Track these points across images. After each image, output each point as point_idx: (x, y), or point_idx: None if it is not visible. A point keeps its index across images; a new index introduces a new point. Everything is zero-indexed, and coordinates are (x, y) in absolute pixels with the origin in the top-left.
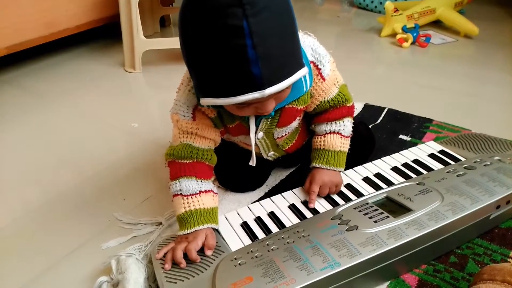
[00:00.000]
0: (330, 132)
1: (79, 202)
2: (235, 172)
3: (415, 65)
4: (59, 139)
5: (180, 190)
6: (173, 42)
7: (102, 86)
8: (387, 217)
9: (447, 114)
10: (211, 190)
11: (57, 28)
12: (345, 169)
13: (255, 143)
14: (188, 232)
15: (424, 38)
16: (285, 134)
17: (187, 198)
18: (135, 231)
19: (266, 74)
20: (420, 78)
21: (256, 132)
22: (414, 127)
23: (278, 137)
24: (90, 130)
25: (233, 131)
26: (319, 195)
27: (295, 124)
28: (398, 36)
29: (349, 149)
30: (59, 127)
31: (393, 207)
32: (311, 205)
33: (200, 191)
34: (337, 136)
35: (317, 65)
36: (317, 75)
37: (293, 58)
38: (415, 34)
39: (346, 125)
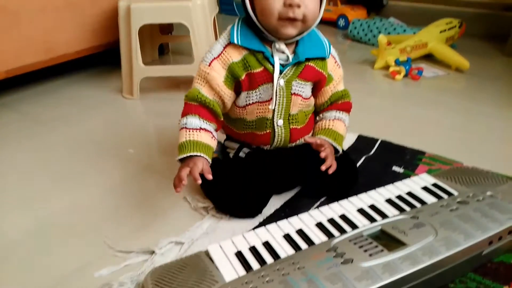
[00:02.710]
0: (339, 119)
1: (72, 228)
2: (236, 192)
3: (407, 97)
4: (54, 163)
5: (185, 124)
6: (172, 70)
7: (99, 111)
8: (382, 250)
9: (439, 146)
10: (211, 132)
11: (57, 53)
12: (328, 200)
13: (275, 95)
14: (185, 155)
15: (416, 71)
16: (300, 96)
17: (189, 131)
18: (127, 259)
19: None
20: (413, 110)
21: (278, 78)
22: (407, 159)
23: (294, 93)
24: (86, 155)
25: (258, 77)
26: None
27: (308, 92)
28: (391, 69)
29: (332, 177)
30: (55, 151)
31: (388, 240)
32: (323, 154)
33: (201, 128)
34: (342, 123)
35: (335, 58)
36: (335, 63)
37: None
38: (407, 67)
39: (347, 119)
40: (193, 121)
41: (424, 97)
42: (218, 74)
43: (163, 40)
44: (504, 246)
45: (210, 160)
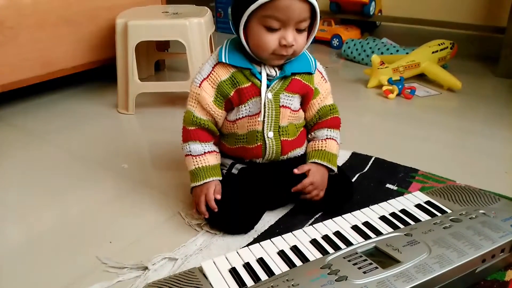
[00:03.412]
0: (331, 138)
1: (63, 243)
2: (227, 209)
3: (400, 116)
4: (47, 177)
5: (190, 151)
6: (167, 86)
7: (94, 126)
8: (376, 268)
9: (432, 164)
10: (214, 151)
11: (53, 68)
12: (323, 217)
13: (264, 107)
14: (200, 183)
15: (409, 90)
16: (289, 108)
17: (196, 158)
18: (120, 275)
19: None
20: (406, 129)
21: (266, 92)
22: (401, 177)
23: (283, 105)
24: (80, 169)
25: (246, 92)
26: (304, 194)
27: (296, 104)
28: (384, 88)
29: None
30: (49, 165)
31: (382, 257)
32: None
33: (205, 152)
34: (334, 142)
35: (321, 73)
36: (322, 77)
37: None
38: (400, 86)
39: (339, 136)
40: (196, 147)
41: (417, 115)
42: (208, 95)
43: (159, 57)
44: (497, 264)
45: (220, 177)
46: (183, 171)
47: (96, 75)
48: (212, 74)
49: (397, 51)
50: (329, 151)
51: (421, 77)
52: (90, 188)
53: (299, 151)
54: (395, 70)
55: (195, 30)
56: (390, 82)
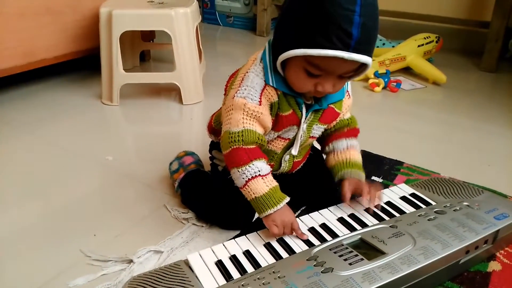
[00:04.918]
0: (352, 146)
1: (47, 236)
2: (225, 206)
3: (386, 109)
4: (30, 170)
5: (259, 171)
6: (153, 77)
7: (77, 117)
8: (362, 259)
9: (416, 157)
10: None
11: (35, 58)
12: (309, 210)
13: (299, 139)
14: (278, 207)
15: (395, 84)
16: (315, 137)
17: (265, 177)
18: (104, 268)
19: (359, 41)
20: (391, 122)
21: (303, 123)
22: (386, 169)
23: (312, 136)
24: (63, 161)
25: (285, 120)
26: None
27: (321, 132)
28: (370, 81)
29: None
30: (31, 157)
31: (367, 249)
32: (372, 205)
33: (269, 171)
34: (356, 151)
35: (347, 90)
36: (347, 93)
37: (373, 46)
38: (386, 80)
39: (358, 144)
40: (263, 166)
41: (402, 108)
42: (267, 111)
43: (145, 47)
44: (480, 255)
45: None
46: (168, 163)
47: (80, 66)
48: (266, 90)
49: (383, 44)
50: (356, 160)
51: (407, 71)
52: (73, 180)
53: (302, 164)
54: (381, 63)
55: (181, 20)
56: (376, 75)
